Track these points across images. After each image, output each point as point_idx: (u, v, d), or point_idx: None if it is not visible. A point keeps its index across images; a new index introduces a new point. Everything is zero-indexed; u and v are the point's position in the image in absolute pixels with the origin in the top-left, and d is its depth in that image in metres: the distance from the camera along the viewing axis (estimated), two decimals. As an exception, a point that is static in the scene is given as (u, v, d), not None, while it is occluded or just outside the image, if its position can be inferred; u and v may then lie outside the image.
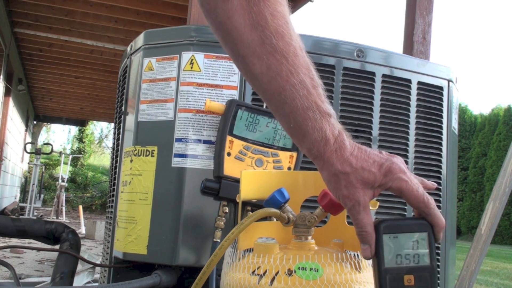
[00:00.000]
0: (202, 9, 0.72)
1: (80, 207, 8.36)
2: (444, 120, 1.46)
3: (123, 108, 1.44)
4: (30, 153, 10.57)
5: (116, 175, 1.45)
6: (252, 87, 0.74)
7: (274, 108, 0.72)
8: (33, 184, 8.74)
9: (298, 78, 0.68)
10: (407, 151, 1.39)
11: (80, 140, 17.70)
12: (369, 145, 1.35)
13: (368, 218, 0.67)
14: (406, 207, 1.37)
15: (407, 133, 1.40)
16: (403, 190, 0.67)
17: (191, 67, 1.26)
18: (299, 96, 0.68)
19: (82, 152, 16.87)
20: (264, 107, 1.22)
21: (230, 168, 1.18)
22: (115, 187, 1.46)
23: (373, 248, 0.67)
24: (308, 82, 0.69)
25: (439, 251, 1.42)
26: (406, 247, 0.67)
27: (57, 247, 1.40)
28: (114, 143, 1.62)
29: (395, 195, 0.69)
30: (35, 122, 14.17)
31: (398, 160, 0.68)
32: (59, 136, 37.30)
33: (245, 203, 1.15)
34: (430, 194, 0.71)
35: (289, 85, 0.68)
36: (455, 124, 1.53)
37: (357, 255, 0.75)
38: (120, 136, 1.44)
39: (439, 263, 1.42)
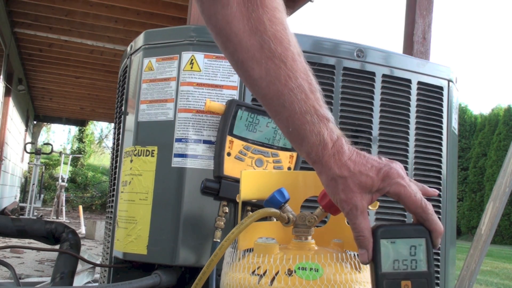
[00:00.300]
0: (203, 16, 0.73)
1: (80, 207, 8.36)
2: (444, 120, 1.46)
3: (123, 108, 1.44)
4: (30, 153, 10.57)
5: (116, 175, 1.45)
6: (252, 92, 0.75)
7: (273, 112, 0.73)
8: (33, 184, 8.74)
9: (296, 83, 0.69)
10: (407, 151, 1.39)
11: (80, 140, 17.69)
12: (369, 145, 1.35)
13: (365, 222, 0.67)
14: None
15: (407, 133, 1.40)
16: (401, 195, 0.67)
17: (191, 67, 1.26)
18: (297, 100, 0.69)
19: (82, 152, 16.87)
20: (264, 107, 1.22)
21: (230, 168, 1.18)
22: (115, 187, 1.46)
23: (371, 253, 0.67)
24: (306, 86, 0.70)
25: (439, 251, 1.42)
26: (403, 253, 0.67)
27: (57, 247, 1.40)
28: (114, 143, 1.62)
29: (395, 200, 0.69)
30: (35, 122, 14.17)
31: (397, 166, 0.69)
32: (59, 136, 37.36)
33: (245, 203, 1.15)
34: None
35: (287, 89, 0.69)
36: (455, 124, 1.53)
37: (357, 255, 0.75)
38: (120, 136, 1.44)
39: (439, 263, 1.42)
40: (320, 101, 0.70)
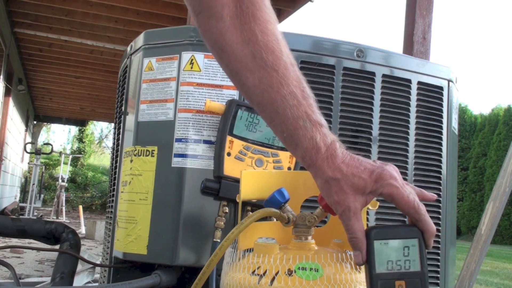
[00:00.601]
0: (199, 30, 0.77)
1: (80, 207, 8.36)
2: (444, 120, 1.46)
3: (123, 108, 1.44)
4: (30, 153, 10.57)
5: (116, 175, 1.45)
6: (247, 101, 0.78)
7: (268, 119, 0.75)
8: (33, 184, 8.74)
9: (288, 89, 0.72)
10: (407, 151, 1.39)
11: (80, 140, 17.70)
12: (369, 145, 1.35)
13: (358, 224, 0.68)
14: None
15: (407, 133, 1.40)
16: (394, 196, 0.68)
17: (191, 67, 1.26)
18: (289, 106, 0.71)
19: (82, 152, 16.87)
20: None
21: (230, 168, 1.18)
22: (115, 187, 1.46)
23: (364, 254, 0.68)
24: (298, 93, 0.72)
25: (439, 251, 1.42)
26: (397, 253, 0.68)
27: (57, 247, 1.40)
28: (114, 143, 1.62)
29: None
30: (35, 122, 14.17)
31: (390, 168, 0.70)
32: (59, 136, 37.38)
33: (245, 203, 1.15)
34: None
35: (279, 96, 0.72)
36: (455, 124, 1.53)
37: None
38: (120, 136, 1.44)
39: (439, 263, 1.42)
40: (313, 107, 0.72)
